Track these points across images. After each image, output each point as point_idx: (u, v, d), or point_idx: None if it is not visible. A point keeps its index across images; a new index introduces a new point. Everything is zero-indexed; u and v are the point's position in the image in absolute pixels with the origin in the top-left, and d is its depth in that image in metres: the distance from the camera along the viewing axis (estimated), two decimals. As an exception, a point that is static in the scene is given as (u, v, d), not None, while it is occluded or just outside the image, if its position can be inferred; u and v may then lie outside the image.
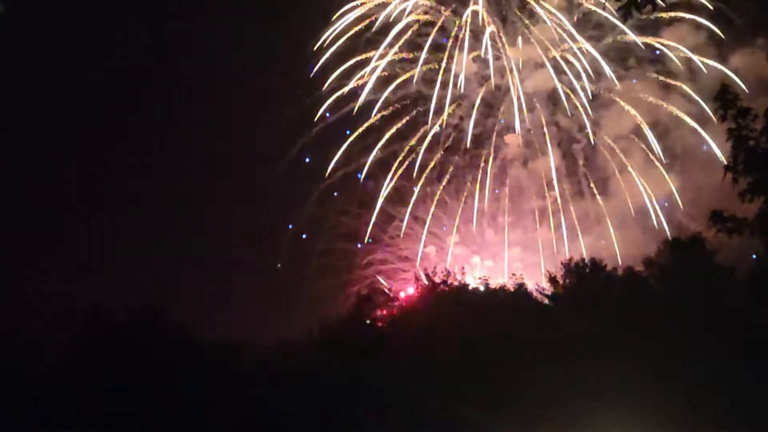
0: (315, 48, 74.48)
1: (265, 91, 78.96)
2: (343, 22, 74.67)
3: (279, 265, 77.46)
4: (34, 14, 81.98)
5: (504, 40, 75.53)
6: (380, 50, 73.75)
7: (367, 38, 74.33)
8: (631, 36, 71.56)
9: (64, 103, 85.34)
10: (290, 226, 77.12)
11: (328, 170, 75.63)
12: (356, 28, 74.63)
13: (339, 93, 74.76)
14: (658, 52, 71.90)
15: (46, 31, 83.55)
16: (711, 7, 68.93)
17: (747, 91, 61.01)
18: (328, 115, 75.79)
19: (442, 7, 75.32)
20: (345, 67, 74.42)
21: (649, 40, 72.01)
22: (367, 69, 74.01)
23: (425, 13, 75.34)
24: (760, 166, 15.37)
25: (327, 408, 44.80)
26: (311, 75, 74.91)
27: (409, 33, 74.63)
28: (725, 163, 15.82)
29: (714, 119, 62.15)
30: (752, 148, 15.52)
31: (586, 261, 54.10)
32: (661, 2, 12.81)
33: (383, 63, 73.98)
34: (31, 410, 47.63)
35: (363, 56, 74.34)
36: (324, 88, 74.82)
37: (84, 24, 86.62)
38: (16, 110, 78.92)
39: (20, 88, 79.63)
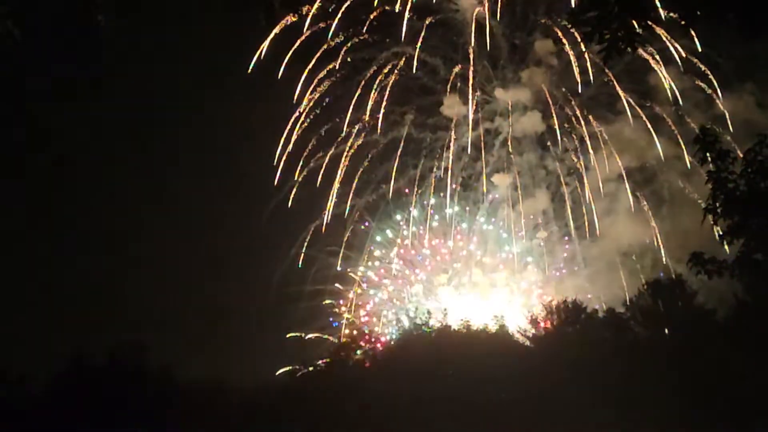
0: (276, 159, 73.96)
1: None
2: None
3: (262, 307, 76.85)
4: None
5: (494, 85, 76.33)
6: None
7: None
8: (617, 85, 71.74)
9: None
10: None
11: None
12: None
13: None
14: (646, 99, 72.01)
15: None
16: (695, 60, 69.18)
17: (730, 136, 61.00)
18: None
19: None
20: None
21: (636, 88, 72.15)
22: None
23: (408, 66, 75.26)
24: (739, 208, 15.37)
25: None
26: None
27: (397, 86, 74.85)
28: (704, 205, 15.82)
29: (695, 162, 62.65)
30: (731, 190, 15.53)
31: (568, 302, 54.04)
32: (641, 48, 12.88)
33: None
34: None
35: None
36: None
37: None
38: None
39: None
